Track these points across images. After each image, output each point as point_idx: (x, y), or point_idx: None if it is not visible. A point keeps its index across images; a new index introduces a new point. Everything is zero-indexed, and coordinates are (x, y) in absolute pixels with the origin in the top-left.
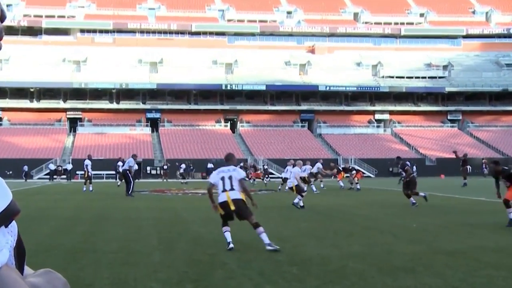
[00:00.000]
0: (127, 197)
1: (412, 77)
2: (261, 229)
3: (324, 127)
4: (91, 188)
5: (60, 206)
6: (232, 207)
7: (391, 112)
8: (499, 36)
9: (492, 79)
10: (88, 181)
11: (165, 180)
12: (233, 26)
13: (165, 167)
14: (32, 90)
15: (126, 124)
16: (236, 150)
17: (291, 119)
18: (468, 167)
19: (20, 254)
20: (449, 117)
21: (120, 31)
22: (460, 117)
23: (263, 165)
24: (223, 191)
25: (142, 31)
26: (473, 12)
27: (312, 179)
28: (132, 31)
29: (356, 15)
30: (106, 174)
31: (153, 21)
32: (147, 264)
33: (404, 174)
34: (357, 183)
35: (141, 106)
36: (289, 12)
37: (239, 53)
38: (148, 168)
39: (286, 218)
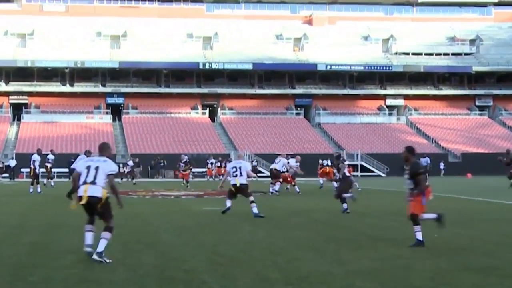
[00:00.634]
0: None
1: (431, 54)
2: (106, 234)
3: (324, 115)
4: (39, 189)
5: (2, 211)
6: (85, 203)
7: (406, 97)
8: None
9: None
10: (35, 180)
11: (129, 180)
12: None
13: (130, 163)
14: None
15: (82, 111)
16: (216, 143)
17: (283, 105)
18: None
19: None
20: (477, 103)
21: None
22: (491, 103)
23: (251, 161)
24: (83, 183)
25: None
26: None
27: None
28: None
29: None
30: (58, 173)
31: None
32: (109, 282)
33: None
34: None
35: (100, 89)
36: None
37: (220, 24)
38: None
39: (277, 226)
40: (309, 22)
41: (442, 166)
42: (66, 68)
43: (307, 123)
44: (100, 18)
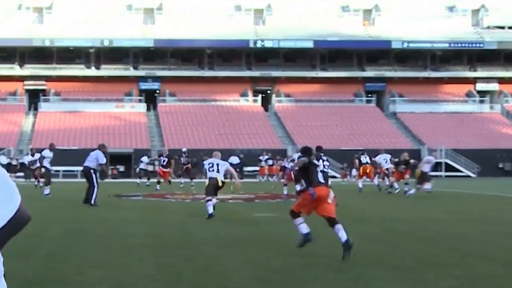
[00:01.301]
0: (91, 206)
1: None
2: None
3: (401, 103)
4: (47, 191)
5: None
6: None
7: (500, 80)
8: None
9: None
10: (46, 180)
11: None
12: None
13: (144, 160)
14: None
15: (110, 99)
16: (270, 137)
17: (351, 90)
18: None
19: None
20: None
21: None
22: None
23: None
24: None
25: None
26: None
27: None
28: None
29: None
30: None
31: None
32: None
33: None
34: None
35: (131, 72)
36: None
37: None
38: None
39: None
40: None
41: None
42: (91, 47)
43: (380, 112)
44: None
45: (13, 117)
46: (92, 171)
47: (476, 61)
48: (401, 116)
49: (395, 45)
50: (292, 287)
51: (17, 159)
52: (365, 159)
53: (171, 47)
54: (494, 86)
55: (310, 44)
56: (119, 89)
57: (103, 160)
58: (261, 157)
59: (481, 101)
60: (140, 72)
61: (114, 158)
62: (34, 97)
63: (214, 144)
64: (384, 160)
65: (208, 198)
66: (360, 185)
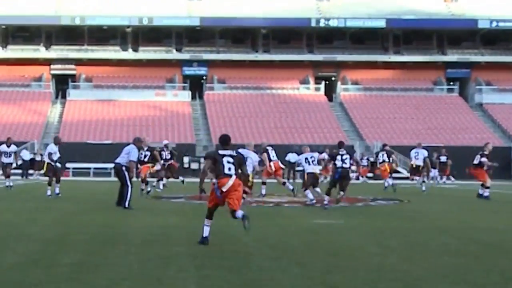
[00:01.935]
0: (124, 209)
1: None
2: None
3: (488, 92)
4: (57, 191)
5: (36, 220)
6: None
7: None
8: None
9: None
10: (55, 179)
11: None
12: None
13: (145, 155)
14: None
15: (150, 86)
16: (335, 130)
17: (429, 77)
18: None
19: None
20: None
21: None
22: None
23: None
24: None
25: None
26: None
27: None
28: None
29: None
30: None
31: None
32: None
33: None
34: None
35: (174, 55)
36: None
37: None
38: (186, 159)
39: (416, 248)
40: None
41: None
42: (128, 26)
43: (464, 102)
44: None
45: (38, 106)
46: (124, 168)
47: None
48: (488, 107)
49: (482, 25)
50: None
51: (41, 154)
52: (382, 156)
53: (220, 26)
54: None
55: (381, 24)
56: (160, 74)
57: (135, 157)
58: (324, 155)
59: None
60: (184, 55)
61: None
62: (62, 84)
63: (270, 138)
64: (415, 154)
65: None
66: (386, 184)
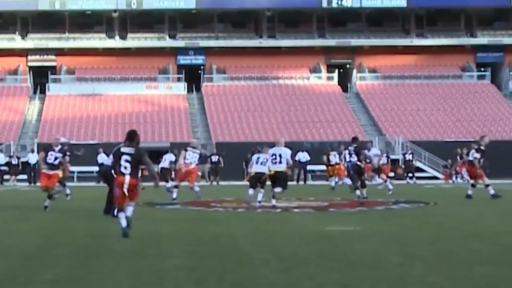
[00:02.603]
0: (113, 218)
1: None
2: None
3: None
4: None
5: (14, 231)
6: None
7: None
8: None
9: None
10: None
11: (213, 183)
12: None
13: (214, 158)
14: None
15: (140, 78)
16: (351, 125)
17: (457, 63)
18: None
19: None
20: None
21: None
22: None
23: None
24: None
25: None
26: None
27: None
28: None
29: None
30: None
31: None
32: None
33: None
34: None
35: (167, 42)
36: None
37: None
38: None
39: (445, 257)
40: None
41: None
42: (115, 11)
43: (496, 90)
44: None
45: (13, 103)
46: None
47: None
48: None
49: None
50: None
51: (18, 157)
52: (334, 158)
53: (219, 8)
54: None
55: (402, 3)
56: (152, 64)
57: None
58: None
59: None
60: (179, 43)
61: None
62: (41, 77)
63: (277, 135)
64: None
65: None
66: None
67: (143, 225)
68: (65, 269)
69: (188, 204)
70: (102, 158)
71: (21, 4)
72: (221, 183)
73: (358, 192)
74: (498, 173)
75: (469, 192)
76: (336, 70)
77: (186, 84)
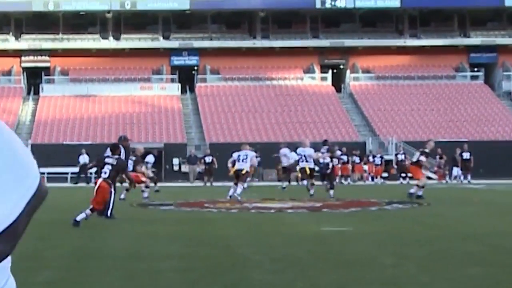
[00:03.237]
0: (107, 218)
1: None
2: None
3: None
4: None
5: None
6: None
7: None
8: None
9: None
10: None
11: (208, 184)
12: None
13: (208, 159)
14: None
15: (134, 78)
16: (344, 125)
17: (450, 63)
18: None
19: None
20: None
21: None
22: None
23: (399, 154)
24: None
25: None
26: None
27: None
28: None
29: None
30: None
31: None
32: None
33: None
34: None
35: (161, 43)
36: None
37: None
38: (176, 161)
39: (439, 258)
40: None
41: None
42: (108, 11)
43: (490, 91)
44: None
45: (7, 104)
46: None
47: None
48: None
49: (509, 2)
50: None
51: None
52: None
53: (213, 9)
54: None
55: (396, 3)
56: (145, 65)
57: (123, 157)
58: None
59: None
60: (173, 43)
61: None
62: (35, 77)
63: (270, 136)
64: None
65: None
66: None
67: (137, 226)
68: (59, 271)
69: (182, 205)
70: (84, 158)
71: (15, 5)
72: (214, 183)
73: (331, 192)
74: (492, 173)
75: (412, 190)
76: (330, 71)
77: (179, 85)
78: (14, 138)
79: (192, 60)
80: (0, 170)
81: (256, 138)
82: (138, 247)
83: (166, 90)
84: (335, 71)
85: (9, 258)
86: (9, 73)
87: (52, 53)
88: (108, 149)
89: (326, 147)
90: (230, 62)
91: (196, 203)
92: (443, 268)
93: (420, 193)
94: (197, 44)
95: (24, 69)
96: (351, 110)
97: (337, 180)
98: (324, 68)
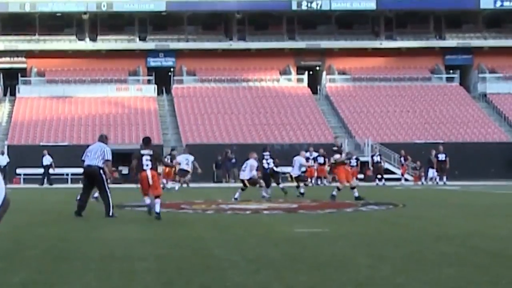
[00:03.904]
0: (109, 217)
1: None
2: None
3: (492, 81)
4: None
5: None
6: None
7: None
8: None
9: None
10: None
11: (183, 185)
12: None
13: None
14: None
15: (111, 80)
16: (320, 127)
17: (426, 65)
18: None
19: None
20: None
21: None
22: None
23: (375, 155)
24: None
25: None
26: None
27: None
28: None
29: None
30: (72, 174)
31: None
32: None
33: None
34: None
35: (137, 45)
36: None
37: None
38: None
39: (413, 258)
40: None
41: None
42: (85, 13)
43: (465, 93)
44: None
45: None
46: (101, 171)
47: None
48: (493, 98)
49: (484, 5)
50: None
51: None
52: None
53: (189, 11)
54: None
55: (371, 5)
56: (122, 66)
57: (110, 155)
58: (307, 154)
59: None
60: (149, 45)
61: (115, 158)
62: (11, 79)
63: (246, 137)
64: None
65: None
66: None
67: (112, 227)
68: (34, 273)
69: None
70: (47, 160)
71: None
72: (190, 185)
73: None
74: (467, 175)
75: (334, 193)
76: (306, 72)
77: (156, 86)
78: None
79: (169, 62)
80: None
81: (232, 140)
82: (112, 248)
83: (143, 92)
84: (311, 72)
85: None
86: None
87: (29, 54)
88: (141, 144)
89: (268, 152)
90: (206, 64)
91: (172, 204)
92: (418, 269)
93: (356, 194)
94: (174, 45)
95: (0, 70)
96: (327, 112)
97: (313, 182)
98: (300, 70)
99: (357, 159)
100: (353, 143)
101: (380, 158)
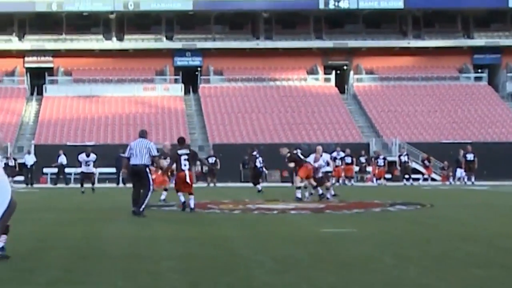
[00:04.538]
0: (134, 216)
1: None
2: None
3: None
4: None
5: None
6: None
7: None
8: None
9: None
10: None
11: (211, 185)
12: None
13: (211, 160)
14: None
15: (137, 79)
16: (348, 126)
17: (454, 64)
18: None
19: None
20: None
21: None
22: None
23: (402, 155)
24: None
25: None
26: None
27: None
28: None
29: None
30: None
31: None
32: None
33: None
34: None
35: (164, 44)
36: None
37: None
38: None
39: (440, 259)
40: None
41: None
42: (112, 12)
43: (493, 92)
44: None
45: (10, 104)
46: (147, 169)
47: None
48: None
49: None
50: None
51: (15, 159)
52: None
53: (216, 10)
54: None
55: (399, 4)
56: (149, 66)
57: (156, 151)
58: (334, 154)
59: None
60: (176, 44)
61: None
62: (38, 78)
63: (273, 136)
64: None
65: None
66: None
67: (138, 227)
68: (60, 271)
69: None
70: (62, 159)
71: (18, 5)
72: (218, 184)
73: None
74: (495, 174)
75: (303, 196)
76: (333, 72)
77: (183, 85)
78: None
79: (196, 61)
80: None
81: (259, 139)
82: (139, 248)
83: (170, 91)
84: (338, 72)
85: None
86: (12, 73)
87: (56, 53)
88: (177, 144)
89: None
90: (233, 63)
91: (199, 204)
92: (445, 269)
93: (320, 191)
94: (200, 44)
95: (28, 69)
96: (354, 111)
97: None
98: (327, 69)
99: (384, 158)
100: (380, 142)
101: (408, 158)
